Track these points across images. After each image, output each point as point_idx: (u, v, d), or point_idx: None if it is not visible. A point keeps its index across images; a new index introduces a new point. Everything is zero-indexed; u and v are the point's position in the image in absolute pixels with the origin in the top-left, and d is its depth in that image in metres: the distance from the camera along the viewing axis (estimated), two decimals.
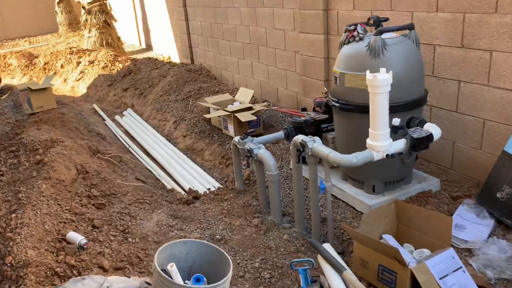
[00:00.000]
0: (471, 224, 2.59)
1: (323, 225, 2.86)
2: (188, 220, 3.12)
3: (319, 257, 2.13)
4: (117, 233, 2.87)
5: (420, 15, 3.10)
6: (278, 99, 5.18)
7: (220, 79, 6.53)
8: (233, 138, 4.36)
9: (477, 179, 2.99)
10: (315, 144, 2.39)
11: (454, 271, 2.03)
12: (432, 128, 2.45)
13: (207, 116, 4.54)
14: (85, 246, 2.60)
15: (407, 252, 2.20)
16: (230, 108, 4.73)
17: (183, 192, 3.82)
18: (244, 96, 4.86)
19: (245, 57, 5.69)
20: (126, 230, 2.90)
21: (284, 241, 2.73)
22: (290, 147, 2.63)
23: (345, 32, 2.79)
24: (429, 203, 2.84)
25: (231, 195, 3.39)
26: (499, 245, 2.39)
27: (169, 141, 5.10)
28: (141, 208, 3.24)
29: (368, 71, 2.21)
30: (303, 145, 2.41)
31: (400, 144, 2.30)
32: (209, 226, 2.99)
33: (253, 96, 4.98)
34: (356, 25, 2.79)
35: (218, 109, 4.59)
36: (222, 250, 1.90)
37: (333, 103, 2.78)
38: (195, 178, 4.04)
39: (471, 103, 2.89)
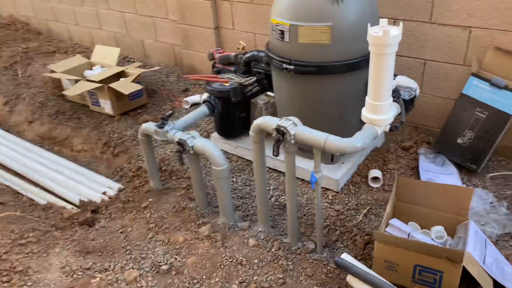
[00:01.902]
0: (439, 176, 2.44)
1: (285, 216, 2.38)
2: (107, 253, 2.24)
3: (350, 279, 1.66)
4: None
5: None
6: (145, 54, 4.21)
7: (49, 35, 5.05)
8: (112, 116, 3.38)
9: (415, 123, 2.85)
10: (298, 128, 1.80)
11: (485, 247, 1.82)
12: (410, 83, 2.10)
13: (69, 93, 3.34)
14: None
15: (424, 236, 1.90)
16: (89, 74, 3.64)
17: (69, 206, 2.79)
18: (105, 56, 3.76)
19: (85, 3, 4.41)
20: None
21: (253, 248, 2.16)
22: (251, 133, 1.98)
23: None
24: (389, 161, 2.60)
25: (150, 199, 2.57)
26: (477, 194, 2.30)
27: (7, 131, 3.72)
28: (28, 254, 2.20)
29: (369, 26, 1.65)
30: (282, 132, 1.79)
31: (395, 110, 1.89)
32: (143, 254, 2.20)
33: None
34: None
35: (77, 80, 3.44)
36: None
37: (284, 65, 2.16)
38: (76, 180, 3.00)
39: (409, 43, 2.63)
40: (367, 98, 1.79)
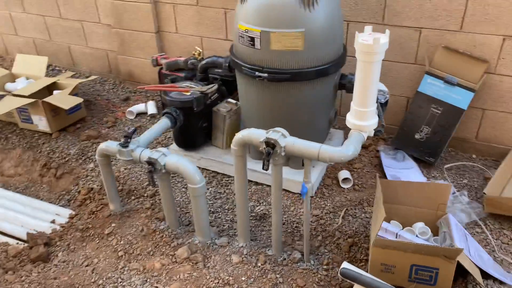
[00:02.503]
0: (401, 171, 2.54)
1: (263, 227, 2.33)
2: None
3: None
4: None
5: None
6: (73, 61, 3.84)
7: None
8: (49, 134, 3.02)
9: None
10: (288, 139, 1.74)
11: (466, 238, 1.93)
12: (381, 86, 2.15)
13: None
14: None
15: (411, 234, 1.96)
16: (13, 88, 3.25)
17: (13, 241, 2.44)
18: (30, 67, 3.35)
19: None
20: None
21: (238, 265, 2.07)
22: (233, 147, 1.87)
23: None
24: (353, 161, 2.65)
25: (113, 224, 2.34)
26: None
27: None
28: None
29: (357, 33, 1.64)
30: (272, 144, 1.73)
31: (375, 114, 1.91)
32: (119, 287, 2.00)
33: None
34: None
35: (0, 95, 3.02)
36: None
37: (257, 73, 2.09)
38: (14, 209, 2.64)
39: None
40: (352, 104, 1.78)
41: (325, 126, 2.42)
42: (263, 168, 1.77)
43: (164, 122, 2.36)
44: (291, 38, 1.99)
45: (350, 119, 1.81)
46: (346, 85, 2.25)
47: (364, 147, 2.79)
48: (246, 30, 2.07)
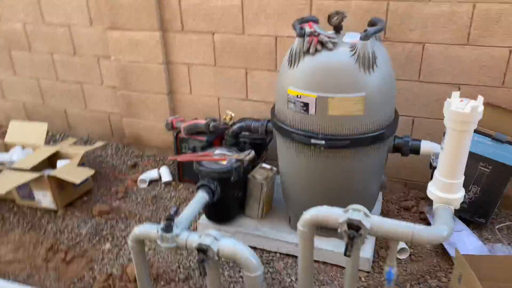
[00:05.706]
0: (454, 236, 2.37)
1: None
2: None
3: None
4: None
5: None
6: (69, 125, 3.55)
7: None
8: (54, 211, 2.65)
9: (403, 179, 2.80)
10: (374, 220, 1.53)
11: None
12: (437, 147, 2.01)
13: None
14: None
15: None
16: (7, 159, 2.92)
17: None
18: (26, 135, 3.03)
19: None
20: None
21: None
22: (301, 228, 1.63)
23: (301, 37, 1.88)
24: None
25: None
26: (497, 249, 2.28)
27: None
28: None
29: (448, 100, 1.51)
30: (357, 226, 1.51)
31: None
32: None
33: None
34: (306, 22, 1.96)
35: None
36: None
37: (312, 140, 1.89)
38: None
39: (397, 102, 2.59)
40: (438, 176, 1.61)
41: (376, 192, 2.24)
42: (345, 254, 1.54)
43: (201, 197, 2.10)
44: (351, 103, 1.83)
45: (435, 192, 1.63)
46: (402, 148, 2.09)
47: (406, 209, 2.61)
48: (299, 96, 1.89)
